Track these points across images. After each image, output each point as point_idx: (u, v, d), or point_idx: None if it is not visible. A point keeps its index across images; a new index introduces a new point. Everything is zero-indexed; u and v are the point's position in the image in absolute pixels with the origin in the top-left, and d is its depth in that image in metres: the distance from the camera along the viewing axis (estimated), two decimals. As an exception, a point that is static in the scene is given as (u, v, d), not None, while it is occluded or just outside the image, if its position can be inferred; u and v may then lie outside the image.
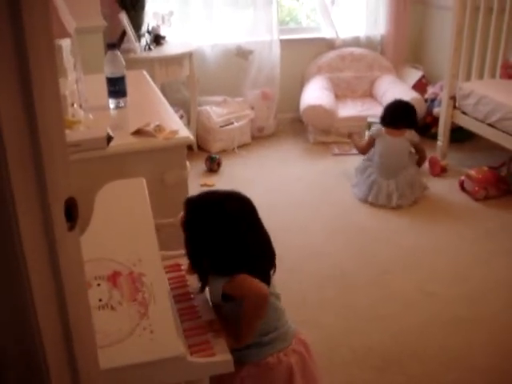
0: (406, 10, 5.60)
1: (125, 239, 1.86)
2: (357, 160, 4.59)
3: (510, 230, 3.79)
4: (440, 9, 5.50)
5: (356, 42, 5.74)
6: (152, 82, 3.30)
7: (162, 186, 2.41)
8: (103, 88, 2.78)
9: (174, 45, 4.86)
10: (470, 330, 2.88)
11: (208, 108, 5.11)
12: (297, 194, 4.34)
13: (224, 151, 5.04)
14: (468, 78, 4.67)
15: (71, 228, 1.01)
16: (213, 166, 4.71)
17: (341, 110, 5.24)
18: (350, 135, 4.89)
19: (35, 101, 0.89)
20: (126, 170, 2.32)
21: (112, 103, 2.79)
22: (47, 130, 0.92)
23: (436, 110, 5.03)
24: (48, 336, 0.98)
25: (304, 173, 4.70)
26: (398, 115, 4.26)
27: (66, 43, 2.56)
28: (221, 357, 1.65)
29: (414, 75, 5.51)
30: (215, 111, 5.09)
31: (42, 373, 1.00)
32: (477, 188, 4.16)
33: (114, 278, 1.67)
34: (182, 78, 4.99)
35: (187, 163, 2.50)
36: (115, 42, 3.96)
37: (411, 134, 4.20)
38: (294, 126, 5.65)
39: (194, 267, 1.91)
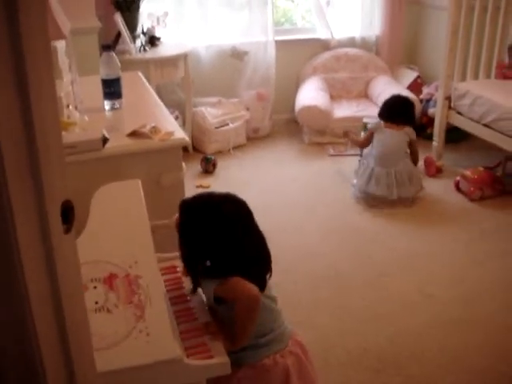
0: (401, 11, 5.61)
1: (121, 241, 1.85)
2: (352, 160, 4.60)
3: (506, 231, 3.80)
4: (435, 9, 5.50)
5: (351, 43, 5.74)
6: (147, 84, 3.29)
7: (158, 188, 2.40)
8: (98, 89, 2.78)
9: (169, 46, 4.85)
10: (466, 331, 2.88)
11: (203, 109, 5.10)
12: (292, 195, 4.34)
13: (219, 152, 5.03)
14: (463, 78, 4.68)
15: (67, 230, 1.01)
16: (208, 167, 4.71)
17: (336, 111, 5.24)
18: (345, 133, 4.89)
19: (32, 103, 0.89)
20: (122, 171, 2.32)
21: (107, 105, 2.79)
22: (44, 133, 0.92)
23: (431, 111, 5.04)
24: (44, 338, 0.98)
25: (299, 173, 4.70)
26: (396, 110, 4.27)
27: (60, 45, 2.55)
28: (218, 359, 1.65)
29: (409, 76, 5.52)
30: (210, 112, 5.09)
31: (39, 375, 1.00)
32: (472, 188, 4.16)
33: (110, 280, 1.67)
34: (177, 80, 4.99)
35: (183, 164, 2.49)
36: (110, 43, 3.95)
37: (410, 131, 4.21)
38: (290, 126, 5.65)
39: (188, 269, 1.91)
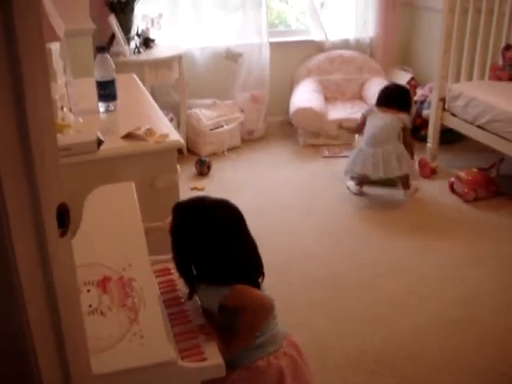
0: (395, 13, 5.62)
1: (114, 244, 1.85)
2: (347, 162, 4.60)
3: (500, 232, 3.81)
4: (429, 11, 5.52)
5: (345, 45, 5.74)
6: (142, 86, 3.29)
7: (153, 190, 2.40)
8: (93, 91, 2.78)
9: (163, 48, 4.85)
10: (463, 332, 2.88)
11: (198, 111, 5.10)
12: (287, 197, 4.34)
13: (214, 154, 5.03)
14: (457, 79, 4.69)
15: (63, 234, 1.01)
16: (203, 169, 4.70)
17: (330, 113, 5.25)
18: (340, 126, 4.86)
19: (27, 106, 0.89)
20: (117, 173, 2.31)
21: (102, 107, 2.78)
22: (39, 136, 0.92)
23: (425, 112, 5.05)
24: (40, 341, 0.98)
25: (294, 175, 4.71)
26: (390, 95, 4.29)
27: (55, 46, 2.55)
28: (212, 361, 1.65)
29: (404, 77, 5.52)
30: (205, 114, 5.09)
31: (35, 378, 0.99)
32: (466, 190, 4.17)
33: (103, 283, 1.66)
34: (172, 81, 4.99)
35: (178, 167, 2.49)
36: (104, 45, 3.95)
37: (405, 118, 4.21)
38: (284, 128, 5.65)
39: (181, 273, 1.91)
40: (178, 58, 4.78)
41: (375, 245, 3.68)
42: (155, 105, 2.95)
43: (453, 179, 4.33)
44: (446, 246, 3.66)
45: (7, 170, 0.87)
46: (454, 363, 2.68)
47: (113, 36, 4.54)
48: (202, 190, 4.43)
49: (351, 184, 4.40)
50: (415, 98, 5.23)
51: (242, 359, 1.86)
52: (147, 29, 4.83)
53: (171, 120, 4.79)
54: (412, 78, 5.51)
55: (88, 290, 1.63)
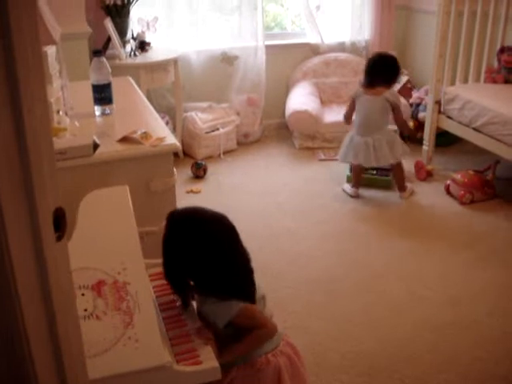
0: (391, 16, 5.63)
1: (109, 248, 1.85)
2: (342, 165, 4.60)
3: (496, 234, 3.81)
4: (424, 14, 5.53)
5: (341, 48, 5.76)
6: (138, 89, 3.29)
7: (149, 193, 2.40)
8: (89, 95, 2.77)
9: (159, 51, 4.85)
10: (460, 334, 2.89)
11: (193, 114, 5.11)
12: (283, 200, 4.34)
13: (210, 157, 5.03)
14: (453, 82, 4.70)
15: (59, 238, 1.01)
16: (199, 172, 4.71)
17: (326, 116, 5.25)
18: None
19: (23, 111, 0.89)
20: (113, 177, 2.31)
21: (98, 110, 2.78)
22: (36, 140, 0.92)
23: (421, 115, 5.06)
24: (36, 346, 0.98)
25: (290, 178, 4.71)
26: (374, 72, 4.18)
27: (50, 50, 2.55)
28: (208, 364, 1.65)
29: (399, 80, 5.52)
30: (201, 117, 5.09)
31: (31, 382, 0.99)
32: (463, 192, 4.18)
33: (98, 287, 1.66)
34: (168, 85, 4.98)
35: (174, 170, 2.49)
36: (101, 48, 3.95)
37: (390, 94, 4.13)
38: (280, 131, 5.66)
39: (169, 282, 1.92)
40: (174, 61, 4.78)
41: (372, 247, 3.68)
42: (151, 108, 2.95)
43: (449, 182, 4.34)
44: (442, 248, 3.66)
45: (4, 174, 0.87)
46: (451, 365, 2.68)
47: (109, 39, 4.54)
48: (198, 193, 4.43)
49: (347, 186, 4.40)
50: (411, 101, 5.25)
51: (240, 357, 1.89)
52: (143, 32, 4.84)
53: (167, 123, 4.79)
54: (408, 81, 5.52)
55: (83, 294, 1.63)
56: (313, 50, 5.68)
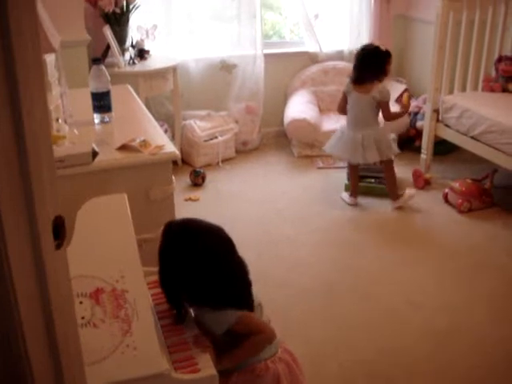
0: (389, 25, 5.65)
1: (107, 256, 1.85)
2: (341, 173, 4.61)
3: (494, 242, 3.82)
4: (422, 23, 5.54)
5: (339, 56, 5.77)
6: (137, 97, 3.30)
7: (148, 201, 2.40)
8: (88, 103, 2.78)
9: (158, 59, 4.85)
10: (457, 342, 2.89)
11: (192, 122, 5.11)
12: (282, 208, 4.34)
13: (208, 165, 5.04)
14: (451, 91, 4.71)
15: (59, 246, 1.01)
16: (197, 180, 4.71)
17: (325, 124, 5.26)
18: None
19: (24, 119, 0.89)
20: (112, 185, 2.31)
21: (97, 118, 2.79)
22: (36, 149, 0.92)
23: (419, 124, 5.07)
24: (35, 354, 0.98)
25: (289, 186, 4.71)
26: (358, 66, 4.13)
27: (50, 58, 2.55)
28: (206, 372, 1.65)
29: (398, 88, 5.54)
30: (199, 125, 5.09)
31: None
32: (461, 200, 4.19)
33: (96, 294, 1.66)
34: (166, 93, 4.99)
35: (173, 178, 2.50)
36: (100, 56, 3.96)
37: (378, 92, 4.06)
38: (278, 139, 5.66)
39: (168, 297, 1.92)
40: (173, 69, 4.79)
41: (370, 255, 3.69)
42: (150, 116, 2.96)
43: (447, 190, 4.34)
44: (439, 256, 3.67)
45: (4, 182, 0.88)
46: (448, 373, 2.68)
47: (108, 47, 4.55)
48: (197, 200, 4.43)
49: (345, 195, 4.41)
50: (409, 110, 5.25)
51: (239, 363, 1.89)
52: (142, 40, 4.84)
53: (166, 131, 4.80)
54: (406, 89, 5.53)
55: (81, 302, 1.63)
56: (311, 58, 5.69)
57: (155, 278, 2.00)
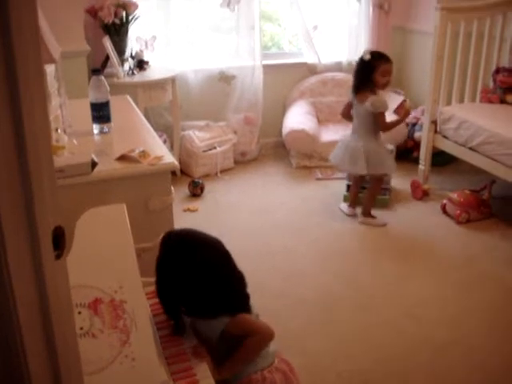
0: (387, 36, 5.67)
1: (106, 266, 1.85)
2: (340, 184, 4.62)
3: (493, 253, 3.82)
4: (420, 34, 5.57)
5: (338, 67, 5.78)
6: (136, 107, 3.31)
7: (147, 212, 2.41)
8: (87, 113, 2.79)
9: (157, 70, 4.87)
10: (456, 354, 2.88)
11: (191, 133, 5.12)
12: (280, 218, 4.34)
13: (207, 176, 5.04)
14: (449, 102, 4.72)
15: (59, 256, 1.01)
16: (196, 190, 4.71)
17: (323, 135, 5.26)
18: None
19: (25, 129, 0.89)
20: (111, 195, 2.32)
21: (96, 128, 2.79)
22: (37, 159, 0.92)
23: (417, 135, 5.08)
24: (35, 365, 0.98)
25: (287, 197, 4.71)
26: (356, 78, 4.10)
27: (49, 68, 2.56)
28: (204, 383, 1.64)
29: (396, 99, 5.55)
30: (198, 136, 5.10)
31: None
32: (459, 211, 4.19)
33: (94, 305, 1.66)
34: (165, 103, 5.00)
35: (172, 188, 2.50)
36: (99, 67, 3.97)
37: (371, 103, 3.97)
38: (277, 150, 5.67)
39: (165, 309, 1.93)
40: (172, 80, 4.81)
41: (368, 266, 3.69)
42: (149, 126, 2.97)
43: (445, 201, 4.35)
44: (438, 267, 3.67)
45: (5, 192, 0.88)
46: (445, 383, 2.69)
47: (107, 58, 4.57)
48: (195, 211, 4.43)
49: (344, 206, 4.41)
50: (407, 121, 5.26)
51: (235, 374, 1.89)
52: (141, 51, 4.86)
53: (165, 142, 4.80)
54: (404, 101, 5.54)
55: (79, 312, 1.63)
56: (310, 69, 5.71)
57: (154, 288, 2.00)
